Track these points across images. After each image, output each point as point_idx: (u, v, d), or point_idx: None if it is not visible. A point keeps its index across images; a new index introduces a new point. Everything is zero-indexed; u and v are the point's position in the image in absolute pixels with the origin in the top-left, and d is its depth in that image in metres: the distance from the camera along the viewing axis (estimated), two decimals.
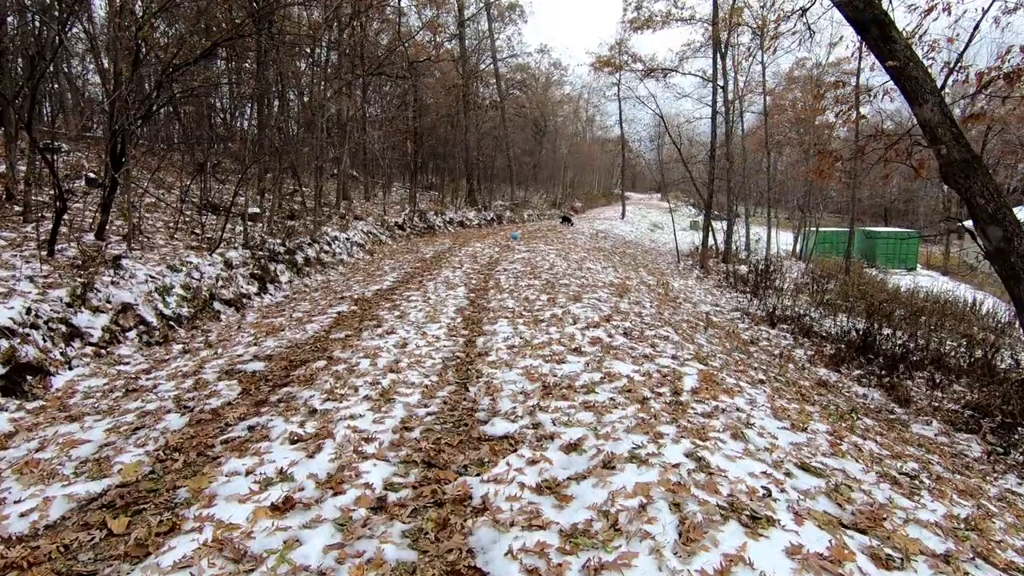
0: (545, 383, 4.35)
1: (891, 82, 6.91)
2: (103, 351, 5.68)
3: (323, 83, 15.44)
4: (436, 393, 4.27)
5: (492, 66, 29.82)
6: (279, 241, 10.68)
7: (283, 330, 6.40)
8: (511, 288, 8.78)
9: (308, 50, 17.25)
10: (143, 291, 6.64)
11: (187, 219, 10.82)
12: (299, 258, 10.90)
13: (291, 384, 4.49)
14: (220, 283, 7.99)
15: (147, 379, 4.87)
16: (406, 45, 21.44)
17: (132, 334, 6.11)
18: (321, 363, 4.99)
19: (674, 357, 5.35)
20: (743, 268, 20.43)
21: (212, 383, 4.59)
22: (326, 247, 12.57)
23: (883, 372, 8.97)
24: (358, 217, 16.55)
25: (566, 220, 22.93)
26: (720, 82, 20.43)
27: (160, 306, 6.66)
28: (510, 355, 5.16)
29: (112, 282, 6.47)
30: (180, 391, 4.45)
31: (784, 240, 31.02)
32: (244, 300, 8.17)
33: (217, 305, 7.58)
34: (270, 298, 8.72)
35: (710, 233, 22.11)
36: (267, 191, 12.42)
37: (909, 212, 47.96)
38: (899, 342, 9.81)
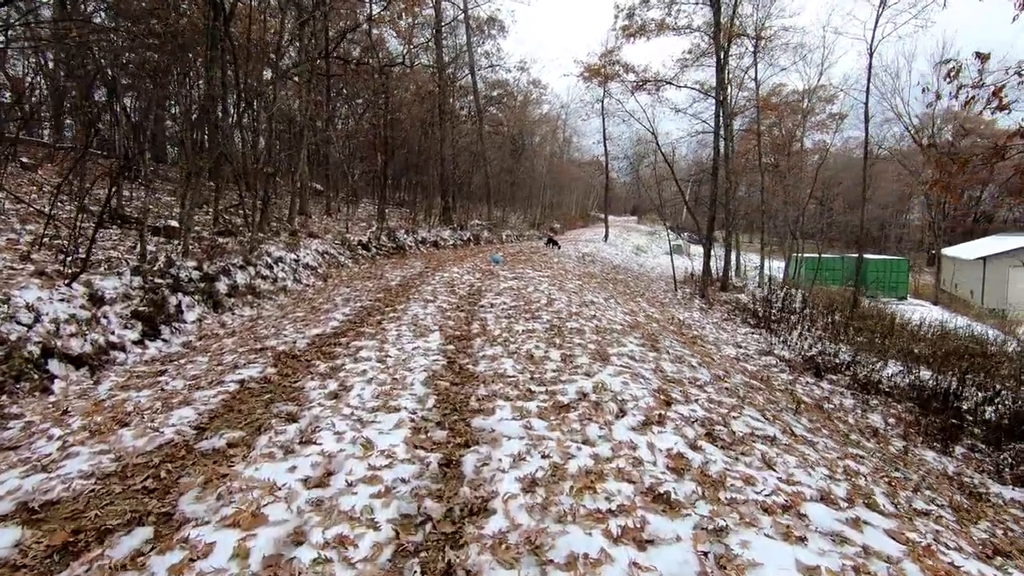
0: None
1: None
2: None
3: (272, 74, 12.75)
4: None
5: (470, 79, 27.53)
6: (194, 264, 7.88)
7: (128, 424, 3.65)
8: (505, 336, 6.17)
9: (270, 54, 14.57)
10: None
11: (75, 234, 7.95)
12: (221, 286, 8.11)
13: None
14: (71, 328, 5.19)
15: None
16: (376, 47, 18.94)
17: None
18: (132, 544, 2.29)
19: (825, 498, 2.82)
20: (742, 297, 18.31)
21: None
22: (264, 271, 9.78)
23: (991, 449, 6.66)
24: (313, 235, 13.78)
25: (552, 243, 20.53)
26: (719, 96, 18.45)
27: None
28: (531, 511, 2.53)
29: None
30: None
31: (773, 266, 29.24)
32: (109, 354, 5.36)
33: (55, 366, 4.77)
34: (158, 348, 5.92)
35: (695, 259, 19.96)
36: (187, 198, 9.59)
37: (882, 239, 47.23)
38: (998, 405, 7.51)
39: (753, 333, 13.02)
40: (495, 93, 34.90)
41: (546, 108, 40.61)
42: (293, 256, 11.25)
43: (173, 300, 6.86)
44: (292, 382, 4.48)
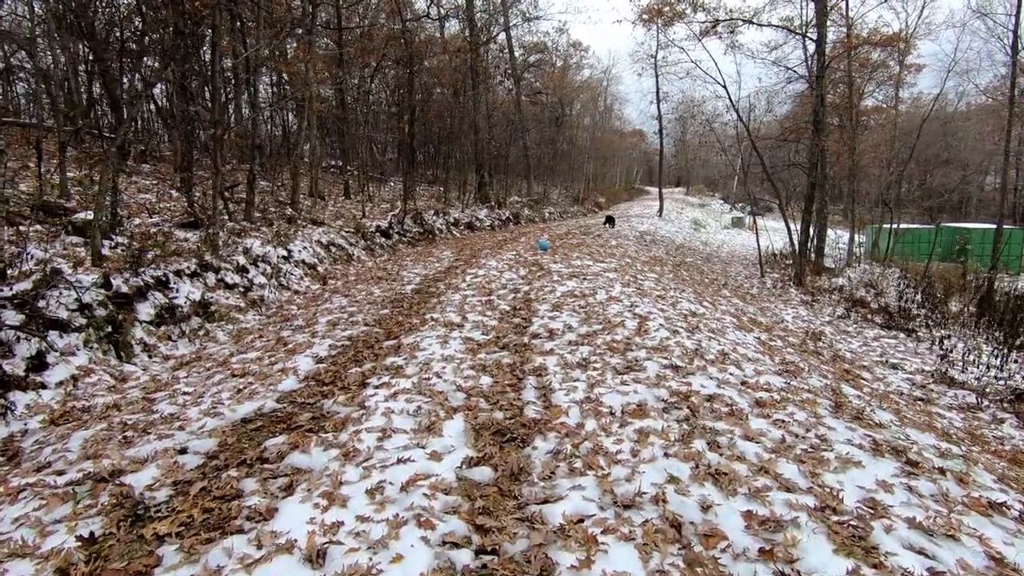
0: None
1: None
2: None
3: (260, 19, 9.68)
4: None
5: (504, 39, 23.98)
6: (95, 278, 5.01)
7: None
8: (593, 430, 3.05)
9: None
10: None
11: None
12: (144, 310, 5.24)
13: None
14: None
15: None
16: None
17: None
18: None
19: None
20: (841, 282, 14.61)
21: None
22: (233, 277, 6.90)
23: None
24: (318, 222, 10.85)
25: (610, 221, 17.16)
26: (812, 35, 14.53)
27: None
28: None
29: None
30: None
31: (845, 239, 25.05)
32: None
33: None
34: None
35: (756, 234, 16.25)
36: (102, 177, 6.75)
37: (962, 204, 41.69)
38: None
39: (885, 337, 9.54)
40: (532, 58, 31.18)
41: (587, 73, 36.57)
42: (282, 252, 8.35)
43: (25, 349, 4.00)
44: None
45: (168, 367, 4.70)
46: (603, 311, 5.76)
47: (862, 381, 6.05)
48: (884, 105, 25.80)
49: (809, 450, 2.77)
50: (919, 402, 5.92)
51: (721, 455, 2.69)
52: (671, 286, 8.53)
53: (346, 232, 10.92)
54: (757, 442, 2.84)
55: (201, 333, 5.60)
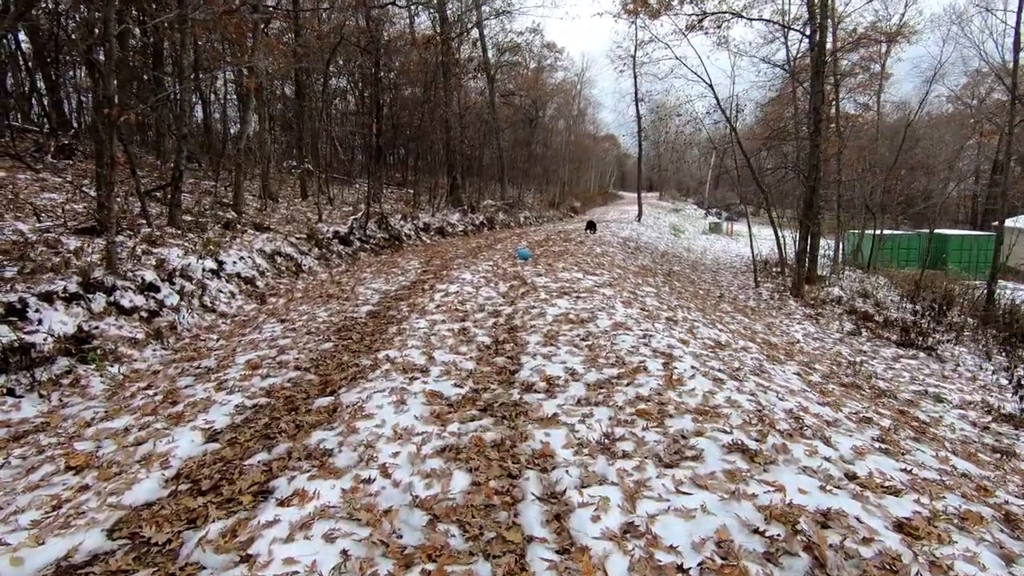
0: None
1: None
2: None
3: None
4: None
5: (476, 35, 22.56)
6: None
7: None
8: None
9: None
10: None
11: None
12: None
13: None
14: None
15: None
16: None
17: None
18: None
19: None
20: (838, 292, 13.62)
21: None
22: (133, 299, 5.30)
23: None
24: (262, 227, 9.22)
25: (591, 226, 15.86)
26: (806, 30, 13.52)
27: None
28: None
29: None
30: None
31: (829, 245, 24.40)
32: None
33: None
34: None
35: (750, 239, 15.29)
36: None
37: (928, 211, 41.95)
38: None
39: (905, 357, 8.45)
40: (505, 58, 29.81)
41: (561, 75, 35.38)
42: (210, 264, 6.74)
43: None
44: None
45: None
46: (612, 345, 4.38)
47: (929, 428, 4.82)
48: (855, 112, 25.29)
49: None
50: (998, 454, 4.72)
51: None
52: (675, 303, 7.23)
53: (297, 239, 9.33)
54: None
55: (66, 382, 4.01)
